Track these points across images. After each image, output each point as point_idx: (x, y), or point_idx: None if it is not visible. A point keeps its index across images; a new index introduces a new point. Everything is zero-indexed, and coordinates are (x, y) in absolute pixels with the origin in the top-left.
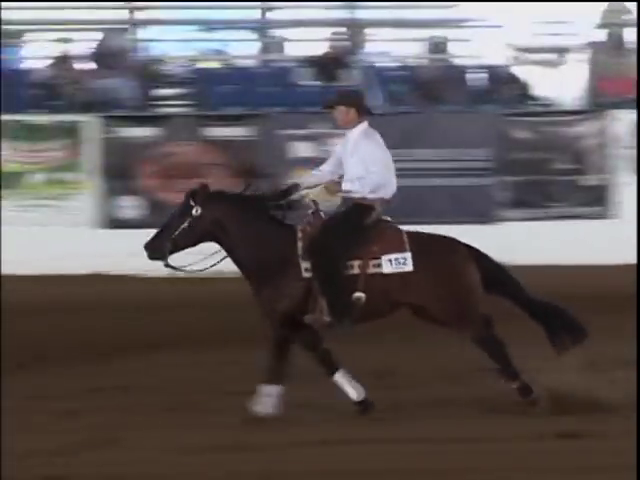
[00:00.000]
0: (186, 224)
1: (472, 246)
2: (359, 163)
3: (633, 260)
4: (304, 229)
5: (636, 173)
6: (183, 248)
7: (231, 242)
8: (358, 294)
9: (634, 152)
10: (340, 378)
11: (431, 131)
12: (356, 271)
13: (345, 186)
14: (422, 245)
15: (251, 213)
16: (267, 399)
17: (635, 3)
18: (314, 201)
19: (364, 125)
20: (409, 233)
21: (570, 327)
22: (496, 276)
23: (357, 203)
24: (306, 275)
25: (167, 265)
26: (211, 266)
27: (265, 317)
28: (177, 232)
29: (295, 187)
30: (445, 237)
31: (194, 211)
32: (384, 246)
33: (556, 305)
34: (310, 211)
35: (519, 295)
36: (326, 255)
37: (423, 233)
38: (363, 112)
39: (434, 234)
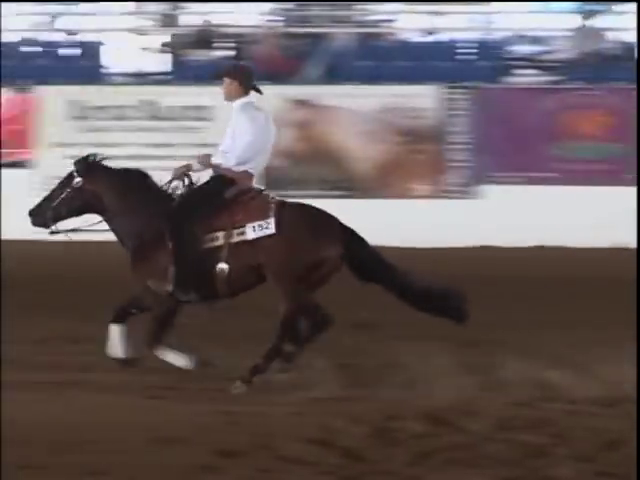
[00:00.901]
0: (66, 194)
1: (350, 228)
2: (230, 136)
3: None
4: None
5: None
6: (65, 218)
7: (109, 215)
8: (221, 265)
9: None
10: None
11: None
12: (220, 242)
13: (215, 159)
14: (293, 215)
15: (131, 187)
16: (116, 340)
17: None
18: (187, 174)
19: (245, 99)
20: (284, 203)
21: (450, 310)
22: (368, 263)
23: (217, 175)
24: None
25: (52, 232)
26: (94, 225)
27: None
28: (57, 201)
29: (187, 166)
30: (324, 213)
31: (74, 182)
32: (249, 215)
33: (437, 288)
34: (185, 185)
35: (392, 282)
36: (177, 226)
37: (302, 205)
38: (246, 87)
39: (316, 209)
